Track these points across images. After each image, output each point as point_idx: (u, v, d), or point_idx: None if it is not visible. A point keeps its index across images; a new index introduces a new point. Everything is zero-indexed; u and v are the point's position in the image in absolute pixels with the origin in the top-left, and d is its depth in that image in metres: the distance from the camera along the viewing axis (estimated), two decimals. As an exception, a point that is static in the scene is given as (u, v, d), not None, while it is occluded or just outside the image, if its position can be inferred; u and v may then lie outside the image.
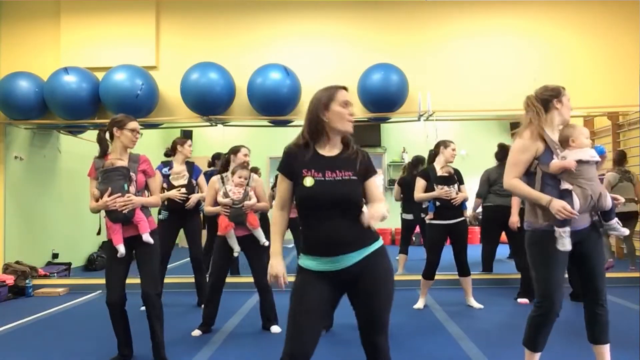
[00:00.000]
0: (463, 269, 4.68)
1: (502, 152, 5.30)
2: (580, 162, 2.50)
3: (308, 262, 2.02)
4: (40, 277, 6.03)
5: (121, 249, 3.15)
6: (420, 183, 4.67)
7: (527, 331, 2.66)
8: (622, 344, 3.38)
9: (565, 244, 2.49)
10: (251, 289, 4.64)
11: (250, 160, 4.26)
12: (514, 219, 4.87)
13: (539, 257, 2.60)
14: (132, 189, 3.19)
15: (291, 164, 2.05)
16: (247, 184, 4.02)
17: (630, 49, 5.85)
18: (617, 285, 5.45)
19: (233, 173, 4.01)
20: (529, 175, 2.62)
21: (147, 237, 3.19)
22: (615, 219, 2.65)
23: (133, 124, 3.30)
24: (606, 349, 2.62)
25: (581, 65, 5.90)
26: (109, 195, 3.09)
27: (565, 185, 2.51)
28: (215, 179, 4.10)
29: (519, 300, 4.92)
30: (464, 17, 6.03)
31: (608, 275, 5.79)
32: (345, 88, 2.10)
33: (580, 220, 2.54)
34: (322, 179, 1.98)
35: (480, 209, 5.82)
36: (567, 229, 2.49)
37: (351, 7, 6.08)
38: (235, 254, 3.98)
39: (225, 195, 3.95)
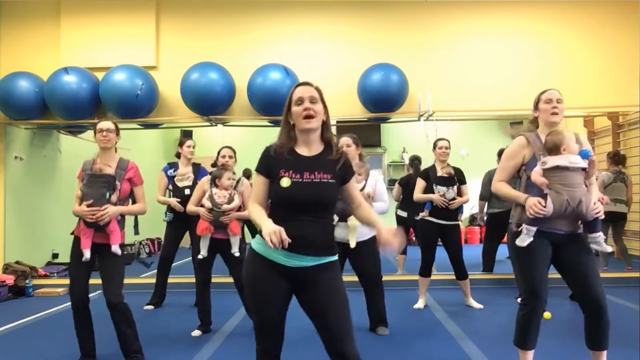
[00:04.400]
0: (460, 272, 4.68)
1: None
2: (558, 168, 2.54)
3: (264, 249, 1.98)
4: (40, 277, 6.03)
5: (87, 254, 3.13)
6: (420, 183, 4.69)
7: (517, 330, 2.70)
8: (622, 344, 3.38)
9: (524, 240, 2.59)
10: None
11: (232, 161, 4.20)
12: None
13: (519, 253, 2.66)
14: (114, 197, 3.17)
15: (269, 163, 2.04)
16: (235, 188, 3.97)
17: (630, 49, 5.85)
18: (616, 285, 5.46)
19: (214, 178, 3.95)
20: (517, 179, 2.76)
21: (116, 249, 3.16)
22: (601, 234, 2.64)
23: (99, 125, 3.23)
24: (603, 355, 2.61)
25: (581, 65, 5.90)
26: (89, 205, 3.07)
27: (546, 190, 2.56)
28: (206, 179, 4.06)
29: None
30: (464, 17, 6.03)
31: (608, 275, 5.87)
32: (305, 83, 2.06)
33: (557, 224, 2.59)
34: (300, 180, 1.97)
35: (485, 212, 5.85)
36: (534, 228, 2.57)
37: (351, 7, 6.08)
38: (200, 257, 3.91)
39: (211, 199, 3.89)
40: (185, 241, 5.03)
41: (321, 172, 1.99)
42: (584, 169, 2.59)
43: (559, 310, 4.38)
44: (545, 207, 2.50)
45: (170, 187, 4.83)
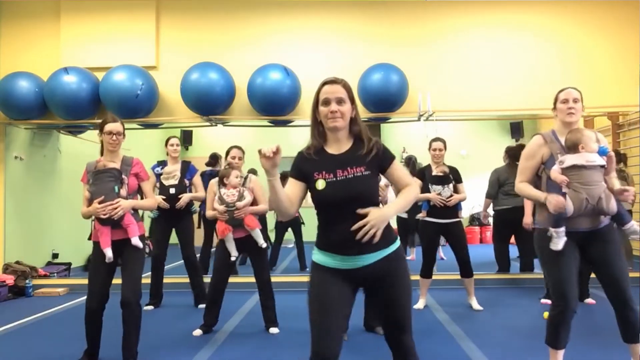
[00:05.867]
0: (465, 269, 4.63)
1: (511, 152, 5.42)
2: (575, 167, 2.57)
3: (323, 258, 2.00)
4: (40, 277, 6.04)
5: (108, 253, 3.08)
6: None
7: (548, 330, 2.73)
8: (622, 344, 3.38)
9: (557, 243, 2.58)
10: (251, 289, 4.64)
11: (242, 163, 4.19)
12: (528, 220, 4.88)
13: (548, 256, 2.66)
14: (123, 192, 3.14)
15: (301, 167, 2.03)
16: (243, 185, 3.98)
17: (630, 49, 5.84)
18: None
19: (221, 177, 3.96)
20: (538, 179, 2.76)
21: (136, 241, 3.12)
22: (632, 222, 2.67)
23: (108, 127, 3.17)
24: (638, 348, 2.68)
25: (581, 65, 5.90)
26: (100, 202, 3.04)
27: (564, 189, 2.58)
28: (214, 182, 4.07)
29: (542, 300, 4.78)
30: (464, 17, 6.03)
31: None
32: (331, 81, 2.03)
33: (578, 223, 2.61)
34: (334, 179, 1.95)
35: (491, 210, 5.84)
36: (561, 229, 2.57)
37: (351, 7, 6.08)
38: (233, 259, 3.92)
39: (221, 199, 3.91)
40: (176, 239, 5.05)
41: (354, 166, 1.96)
42: (602, 166, 2.61)
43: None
44: (564, 204, 2.52)
45: (158, 184, 4.86)
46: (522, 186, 2.78)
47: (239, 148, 4.22)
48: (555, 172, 2.62)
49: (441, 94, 5.79)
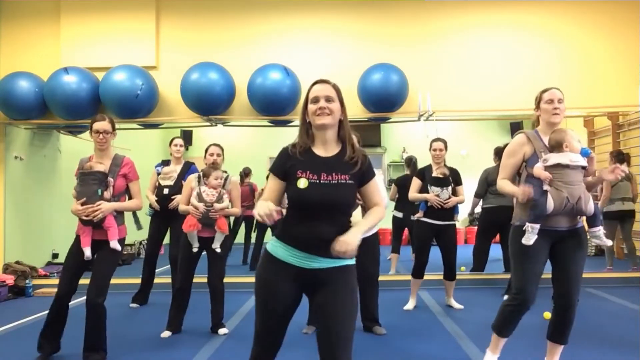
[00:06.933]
0: (451, 273, 4.66)
1: (500, 153, 5.36)
2: (559, 165, 2.61)
3: (280, 251, 1.97)
4: (40, 277, 6.03)
5: (87, 252, 3.14)
6: (415, 183, 4.67)
7: (498, 318, 2.83)
8: (622, 344, 3.38)
9: (530, 238, 2.64)
10: (250, 289, 4.64)
11: (221, 159, 4.17)
12: None
13: (518, 251, 2.73)
14: (107, 194, 3.17)
15: (284, 164, 2.01)
16: (223, 186, 3.97)
17: (630, 49, 5.84)
18: (617, 285, 5.46)
19: (205, 175, 3.94)
20: (519, 176, 2.82)
21: (114, 244, 3.16)
22: (600, 228, 2.74)
23: (95, 126, 3.19)
24: (559, 349, 2.79)
25: (581, 65, 5.90)
26: (82, 203, 3.09)
27: (545, 187, 2.63)
28: (193, 177, 4.04)
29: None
30: (464, 17, 6.03)
31: (608, 275, 5.87)
32: (321, 81, 2.04)
33: (558, 221, 2.67)
34: (317, 181, 1.94)
35: (478, 209, 5.84)
36: (537, 225, 2.63)
37: (351, 7, 6.08)
38: (194, 250, 3.90)
39: (199, 196, 3.87)
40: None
41: (338, 173, 1.96)
42: (583, 167, 2.66)
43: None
44: (546, 208, 2.58)
45: (157, 184, 4.93)
46: (502, 183, 2.83)
47: (218, 145, 4.21)
48: (538, 169, 2.65)
49: (441, 94, 5.79)
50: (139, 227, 3.70)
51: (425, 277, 4.78)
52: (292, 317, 2.01)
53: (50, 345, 3.30)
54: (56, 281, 5.91)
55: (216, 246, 3.91)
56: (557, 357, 2.80)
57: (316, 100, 1.99)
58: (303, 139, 2.04)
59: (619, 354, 3.06)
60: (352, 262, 2.01)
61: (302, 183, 1.94)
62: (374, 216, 2.03)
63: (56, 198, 6.74)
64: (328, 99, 1.99)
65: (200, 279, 5.50)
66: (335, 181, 1.95)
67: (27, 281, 5.72)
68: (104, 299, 3.17)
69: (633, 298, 4.86)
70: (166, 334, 3.89)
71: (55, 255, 6.73)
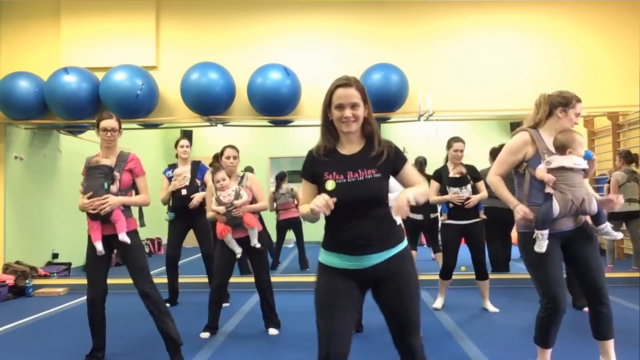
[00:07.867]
0: (480, 271, 4.54)
1: (496, 154, 5.33)
2: (563, 168, 2.61)
3: (330, 259, 1.99)
4: (40, 277, 6.04)
5: (99, 246, 3.14)
6: (433, 185, 4.53)
7: (537, 330, 2.75)
8: (622, 344, 3.37)
9: (542, 245, 2.61)
10: (251, 289, 4.63)
11: (237, 162, 4.11)
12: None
13: (536, 261, 2.68)
14: (114, 188, 3.17)
15: (312, 167, 2.02)
16: (240, 183, 3.97)
17: (630, 49, 5.84)
18: (617, 285, 5.44)
19: (214, 181, 3.94)
20: (520, 177, 2.77)
21: (123, 237, 3.15)
22: (607, 223, 2.73)
23: (103, 124, 3.21)
24: (610, 344, 2.73)
25: (581, 65, 5.90)
26: (89, 197, 3.10)
27: (548, 190, 2.62)
28: (212, 184, 4.04)
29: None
30: (464, 17, 6.03)
31: (608, 275, 5.79)
32: (344, 84, 1.99)
33: (562, 223, 2.66)
34: (344, 180, 1.94)
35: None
36: (545, 231, 2.60)
37: (351, 7, 6.08)
38: (238, 256, 3.92)
39: (218, 201, 3.89)
40: (190, 241, 5.05)
41: (364, 168, 1.95)
42: (584, 169, 2.66)
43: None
44: (552, 212, 2.57)
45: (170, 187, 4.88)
46: (496, 180, 2.78)
47: (233, 147, 4.13)
48: (541, 171, 2.64)
49: (441, 94, 5.78)
50: (142, 223, 3.69)
51: (422, 277, 4.74)
52: (358, 314, 2.01)
53: (96, 342, 3.30)
54: (56, 281, 6.00)
55: (254, 242, 3.90)
56: (612, 352, 2.74)
57: (341, 107, 1.96)
58: (327, 139, 2.03)
59: (619, 354, 3.05)
60: (403, 246, 2.01)
61: (330, 185, 1.95)
62: (421, 185, 2.00)
63: (56, 198, 6.74)
64: (354, 106, 1.96)
65: (191, 279, 5.52)
66: (362, 177, 1.95)
67: (27, 281, 5.72)
68: (153, 285, 3.20)
69: (633, 298, 4.86)
70: (205, 334, 3.87)
71: (55, 255, 6.73)
